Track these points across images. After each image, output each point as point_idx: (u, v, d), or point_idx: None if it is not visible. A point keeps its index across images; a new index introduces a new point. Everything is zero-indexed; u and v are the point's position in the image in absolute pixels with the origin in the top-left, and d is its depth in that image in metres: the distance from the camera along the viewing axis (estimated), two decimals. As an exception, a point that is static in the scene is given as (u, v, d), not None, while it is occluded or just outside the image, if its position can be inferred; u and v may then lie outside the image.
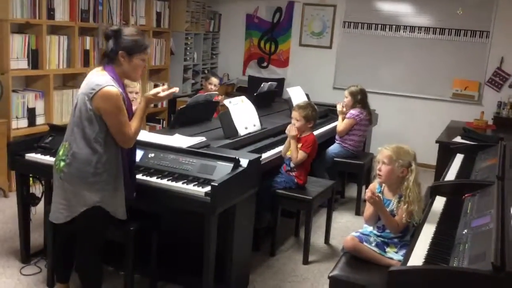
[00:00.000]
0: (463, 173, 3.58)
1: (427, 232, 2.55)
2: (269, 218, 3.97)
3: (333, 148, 5.04)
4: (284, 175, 3.92)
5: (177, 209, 3.03)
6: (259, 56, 7.84)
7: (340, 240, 4.12)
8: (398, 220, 2.82)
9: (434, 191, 3.12)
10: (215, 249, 2.85)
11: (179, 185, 2.86)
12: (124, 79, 2.74)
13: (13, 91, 4.69)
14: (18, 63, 4.65)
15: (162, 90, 2.78)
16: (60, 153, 2.65)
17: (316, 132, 4.48)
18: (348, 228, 4.48)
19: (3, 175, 4.58)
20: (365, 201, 2.99)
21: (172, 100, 6.51)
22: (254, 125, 4.12)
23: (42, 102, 4.91)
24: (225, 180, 2.79)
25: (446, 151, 4.50)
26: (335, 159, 4.96)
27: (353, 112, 4.97)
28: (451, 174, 3.58)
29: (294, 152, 3.81)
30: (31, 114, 4.80)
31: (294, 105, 4.12)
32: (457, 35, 6.57)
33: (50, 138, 3.38)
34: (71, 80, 5.38)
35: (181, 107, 4.15)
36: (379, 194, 2.87)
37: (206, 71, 7.57)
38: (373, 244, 2.85)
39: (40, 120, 4.89)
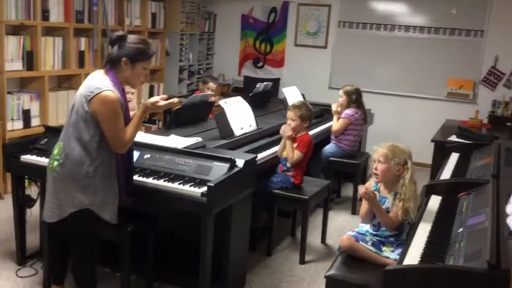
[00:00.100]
0: (458, 172, 3.59)
1: (423, 231, 2.55)
2: (265, 218, 3.98)
3: (329, 148, 5.04)
4: (280, 175, 3.92)
5: (173, 209, 3.03)
6: (255, 56, 7.84)
7: (336, 240, 4.12)
8: (393, 217, 2.83)
9: (429, 190, 3.13)
10: (211, 250, 2.85)
11: (175, 186, 2.86)
12: (125, 85, 2.74)
13: (8, 92, 4.67)
14: (13, 64, 4.63)
15: (161, 99, 2.78)
16: (55, 152, 2.66)
17: (311, 132, 4.49)
18: (345, 227, 4.48)
19: (-1, 177, 4.57)
20: (361, 200, 2.99)
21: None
22: (250, 125, 4.13)
23: (37, 103, 4.89)
24: (221, 181, 2.79)
25: (441, 150, 4.52)
26: (330, 158, 4.97)
27: (348, 112, 4.98)
28: (446, 173, 3.60)
29: (290, 152, 3.81)
30: (26, 115, 4.79)
31: (289, 105, 4.13)
32: (451, 35, 6.60)
33: (45, 140, 3.37)
34: (66, 82, 5.37)
35: (177, 107, 4.14)
36: (374, 191, 2.89)
37: (201, 72, 7.58)
38: (369, 243, 2.86)
39: (35, 121, 4.88)
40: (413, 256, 2.27)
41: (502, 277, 1.81)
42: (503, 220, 2.21)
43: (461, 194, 2.88)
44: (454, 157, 4.03)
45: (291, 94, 5.35)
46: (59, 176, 2.60)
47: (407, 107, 6.92)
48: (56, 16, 4.99)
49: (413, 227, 2.65)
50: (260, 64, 7.83)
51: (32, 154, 3.28)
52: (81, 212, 2.59)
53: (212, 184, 2.71)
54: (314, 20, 7.37)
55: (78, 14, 5.23)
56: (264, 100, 5.63)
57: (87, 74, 2.76)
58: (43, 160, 3.16)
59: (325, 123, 5.37)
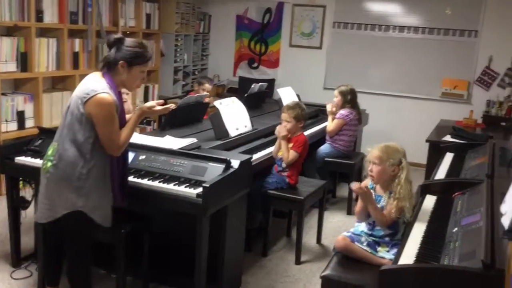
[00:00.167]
0: (453, 171, 3.60)
1: (418, 231, 2.56)
2: (261, 218, 3.98)
3: (324, 148, 5.05)
4: (275, 176, 3.92)
5: (168, 210, 3.02)
6: (250, 57, 7.84)
7: (332, 240, 4.12)
8: (386, 214, 2.84)
9: (424, 190, 3.14)
10: (207, 250, 2.85)
11: (170, 187, 2.86)
12: (121, 88, 2.74)
13: (2, 94, 4.66)
14: (7, 66, 4.62)
15: (158, 104, 2.78)
16: (49, 153, 2.65)
17: (306, 133, 4.50)
18: (340, 227, 4.49)
19: (-7, 178, 4.55)
20: (356, 199, 3.00)
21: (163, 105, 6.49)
22: (245, 126, 4.13)
23: (31, 105, 4.88)
24: (217, 181, 2.79)
25: (436, 150, 4.53)
26: (326, 159, 4.98)
27: (343, 112, 4.99)
28: (441, 173, 3.61)
29: (285, 152, 3.81)
30: (20, 117, 4.77)
31: (282, 107, 4.13)
32: (446, 35, 6.62)
33: (40, 141, 3.36)
34: (60, 83, 5.35)
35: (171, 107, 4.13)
36: (368, 186, 2.90)
37: (196, 73, 7.57)
38: (364, 244, 2.87)
39: (29, 123, 4.86)
40: (408, 256, 2.28)
41: (497, 277, 1.82)
42: (498, 219, 2.21)
43: (456, 193, 2.89)
44: (448, 157, 4.05)
45: (286, 95, 5.35)
46: (53, 177, 2.60)
47: (402, 107, 6.93)
48: (50, 17, 4.98)
49: (408, 227, 2.66)
50: (255, 64, 7.83)
51: (26, 156, 3.27)
52: (74, 214, 2.58)
53: (208, 185, 2.71)
54: (309, 21, 7.38)
55: (72, 15, 5.22)
56: (259, 100, 5.63)
57: (81, 75, 2.77)
58: (37, 162, 3.15)
59: (320, 124, 5.37)
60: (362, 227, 2.98)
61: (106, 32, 5.43)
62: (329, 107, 5.05)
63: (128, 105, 4.18)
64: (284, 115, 3.89)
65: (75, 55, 5.29)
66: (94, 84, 2.57)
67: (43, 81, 4.97)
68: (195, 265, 2.84)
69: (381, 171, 2.88)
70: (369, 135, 6.15)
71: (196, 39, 7.53)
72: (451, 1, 6.53)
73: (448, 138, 4.88)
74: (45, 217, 2.66)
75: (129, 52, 2.62)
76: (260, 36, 7.72)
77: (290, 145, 3.84)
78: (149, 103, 2.81)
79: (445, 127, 5.39)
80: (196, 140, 3.44)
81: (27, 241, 3.66)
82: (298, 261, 3.83)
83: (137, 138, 3.27)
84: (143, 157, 3.11)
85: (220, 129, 3.87)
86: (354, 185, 2.84)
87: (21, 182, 3.49)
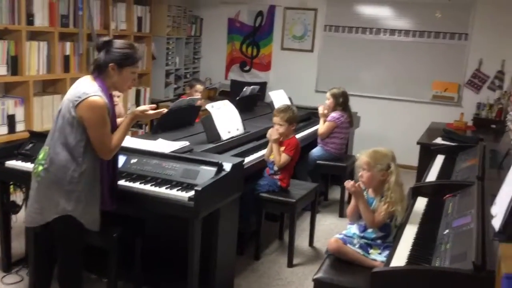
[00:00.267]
0: (444, 174, 3.62)
1: (410, 233, 2.57)
2: (253, 221, 3.97)
3: (316, 151, 5.06)
4: (267, 178, 3.93)
5: (160, 214, 3.01)
6: (241, 60, 7.85)
7: (324, 243, 4.13)
8: (376, 216, 2.86)
9: (415, 192, 3.15)
10: (199, 254, 2.84)
11: (162, 190, 2.85)
12: (113, 90, 2.73)
13: (-8, 97, 4.63)
14: (-3, 69, 4.59)
15: (150, 109, 2.78)
16: (40, 157, 2.64)
17: (298, 136, 4.51)
18: (332, 230, 4.50)
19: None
20: (348, 202, 3.01)
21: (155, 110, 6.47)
22: (237, 129, 4.13)
23: (22, 108, 4.84)
24: (209, 185, 2.79)
25: (427, 152, 4.55)
26: (317, 162, 4.99)
27: (334, 115, 5.00)
28: (432, 175, 3.62)
29: (277, 155, 3.82)
30: (10, 121, 4.73)
31: (274, 110, 4.13)
32: (436, 38, 6.66)
33: (30, 145, 3.34)
34: (51, 86, 5.32)
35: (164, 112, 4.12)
36: (360, 184, 2.93)
37: (188, 76, 7.56)
38: (356, 246, 2.88)
39: (20, 127, 4.82)
40: (400, 258, 2.29)
41: (488, 278, 1.83)
42: (488, 221, 2.23)
43: (447, 196, 2.91)
44: (439, 159, 4.07)
45: (278, 98, 5.36)
46: (44, 181, 2.59)
47: (393, 110, 6.96)
48: (41, 20, 4.95)
49: (400, 229, 2.67)
50: (247, 67, 7.83)
51: (17, 160, 3.25)
52: (64, 218, 2.57)
53: (200, 188, 2.71)
54: (300, 24, 7.40)
55: (63, 18, 5.19)
56: (251, 103, 5.63)
57: (72, 79, 2.76)
58: (28, 166, 3.13)
59: (312, 127, 5.38)
60: (354, 229, 2.99)
61: (97, 35, 5.41)
62: (321, 109, 5.07)
63: (119, 109, 4.18)
64: (275, 119, 3.89)
65: (66, 59, 5.26)
66: (86, 87, 2.56)
67: (33, 85, 4.94)
68: (187, 269, 2.84)
69: (370, 176, 2.91)
70: (361, 138, 6.17)
71: (187, 42, 7.53)
72: (441, 4, 6.58)
73: (439, 140, 4.90)
74: (35, 221, 2.65)
75: (119, 54, 2.62)
76: (251, 39, 7.73)
77: (282, 148, 3.84)
78: (142, 107, 2.82)
79: (436, 129, 5.43)
80: (188, 143, 3.43)
81: (18, 245, 3.63)
82: (290, 264, 3.84)
83: (129, 141, 3.26)
84: (135, 160, 3.10)
85: (212, 132, 3.86)
86: (347, 183, 2.88)
87: (11, 186, 3.47)
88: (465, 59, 6.57)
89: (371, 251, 2.86)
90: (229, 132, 4.00)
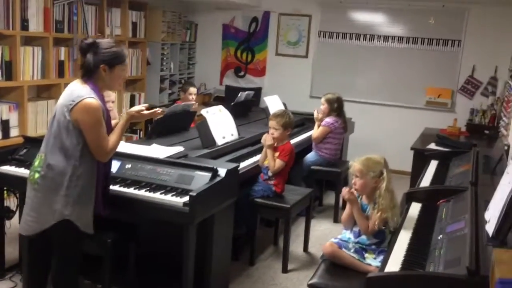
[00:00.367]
0: (437, 179, 3.64)
1: (404, 238, 2.58)
2: (247, 227, 3.97)
3: (310, 157, 5.07)
4: (261, 184, 3.93)
5: (155, 219, 3.01)
6: (236, 66, 7.86)
7: (319, 248, 4.14)
8: (370, 224, 2.88)
9: (409, 198, 3.17)
10: (194, 259, 2.84)
11: (157, 196, 2.85)
12: (104, 91, 2.73)
13: (-13, 103, 4.61)
14: (-9, 74, 4.58)
15: (146, 108, 2.78)
16: (36, 164, 2.62)
17: (293, 141, 4.52)
18: (327, 235, 4.50)
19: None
20: (343, 207, 3.02)
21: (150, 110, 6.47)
22: (232, 135, 4.13)
23: (16, 114, 4.83)
24: (203, 190, 2.79)
25: (420, 158, 4.57)
26: (312, 167, 4.99)
27: (328, 120, 5.02)
28: (426, 181, 3.64)
29: (271, 161, 3.82)
30: (5, 126, 4.72)
31: (270, 115, 4.14)
32: (429, 44, 6.70)
33: (24, 150, 3.33)
34: (45, 92, 5.31)
35: (158, 117, 4.12)
36: (354, 191, 2.96)
37: (183, 81, 7.56)
38: (352, 250, 2.88)
39: (14, 132, 4.81)
40: (395, 263, 2.30)
41: (481, 283, 1.84)
42: (482, 226, 2.24)
43: (441, 201, 2.92)
44: (433, 165, 4.08)
45: (273, 103, 5.37)
46: (41, 188, 2.57)
47: (387, 116, 6.99)
48: (35, 25, 4.95)
49: (394, 234, 2.68)
50: (242, 73, 7.85)
51: (11, 165, 3.24)
52: (61, 223, 2.56)
53: (194, 194, 2.71)
54: (295, 30, 7.43)
55: (58, 24, 5.19)
56: (246, 109, 5.64)
57: (66, 84, 2.74)
58: (22, 171, 3.12)
59: (306, 132, 5.40)
60: (349, 234, 3.00)
61: (82, 40, 5.39)
62: (316, 114, 5.08)
63: (114, 113, 4.16)
64: (272, 123, 3.90)
65: (61, 64, 5.26)
66: (79, 91, 2.55)
67: (28, 90, 4.93)
68: (182, 274, 2.83)
69: (363, 184, 2.94)
70: (355, 143, 6.19)
71: (182, 47, 7.53)
72: (435, 11, 6.63)
73: (432, 146, 4.92)
74: (32, 230, 2.62)
75: (108, 54, 2.60)
76: (246, 45, 7.74)
77: (276, 154, 3.85)
78: (137, 107, 2.81)
79: (430, 135, 5.44)
80: (183, 149, 3.44)
81: (12, 251, 3.61)
82: (285, 270, 3.83)
83: (124, 146, 3.26)
84: (129, 165, 3.10)
85: (207, 138, 3.87)
86: (343, 190, 2.93)
87: (5, 192, 3.46)
88: (458, 66, 6.62)
89: (366, 255, 2.87)
90: (224, 137, 4.00)
